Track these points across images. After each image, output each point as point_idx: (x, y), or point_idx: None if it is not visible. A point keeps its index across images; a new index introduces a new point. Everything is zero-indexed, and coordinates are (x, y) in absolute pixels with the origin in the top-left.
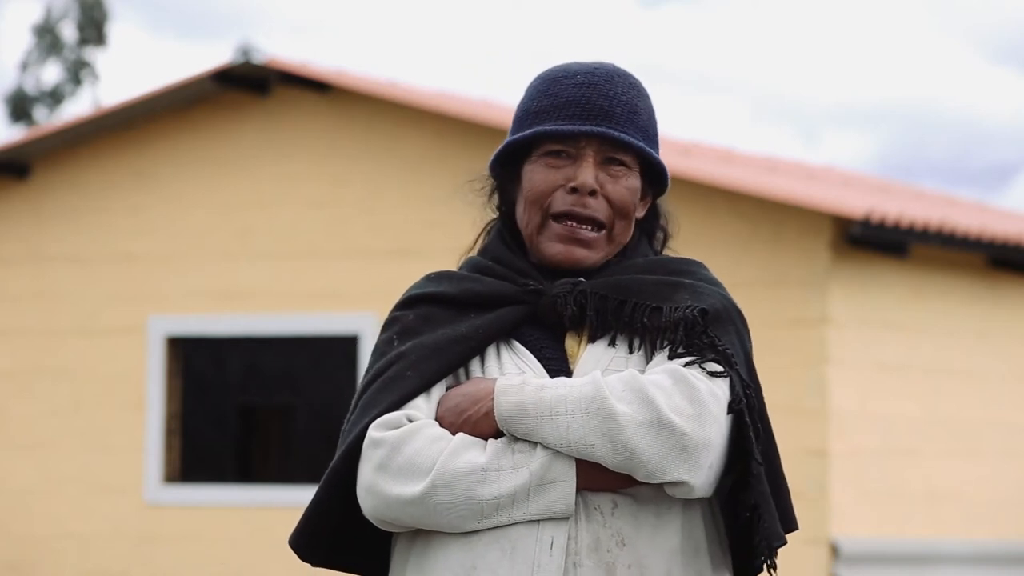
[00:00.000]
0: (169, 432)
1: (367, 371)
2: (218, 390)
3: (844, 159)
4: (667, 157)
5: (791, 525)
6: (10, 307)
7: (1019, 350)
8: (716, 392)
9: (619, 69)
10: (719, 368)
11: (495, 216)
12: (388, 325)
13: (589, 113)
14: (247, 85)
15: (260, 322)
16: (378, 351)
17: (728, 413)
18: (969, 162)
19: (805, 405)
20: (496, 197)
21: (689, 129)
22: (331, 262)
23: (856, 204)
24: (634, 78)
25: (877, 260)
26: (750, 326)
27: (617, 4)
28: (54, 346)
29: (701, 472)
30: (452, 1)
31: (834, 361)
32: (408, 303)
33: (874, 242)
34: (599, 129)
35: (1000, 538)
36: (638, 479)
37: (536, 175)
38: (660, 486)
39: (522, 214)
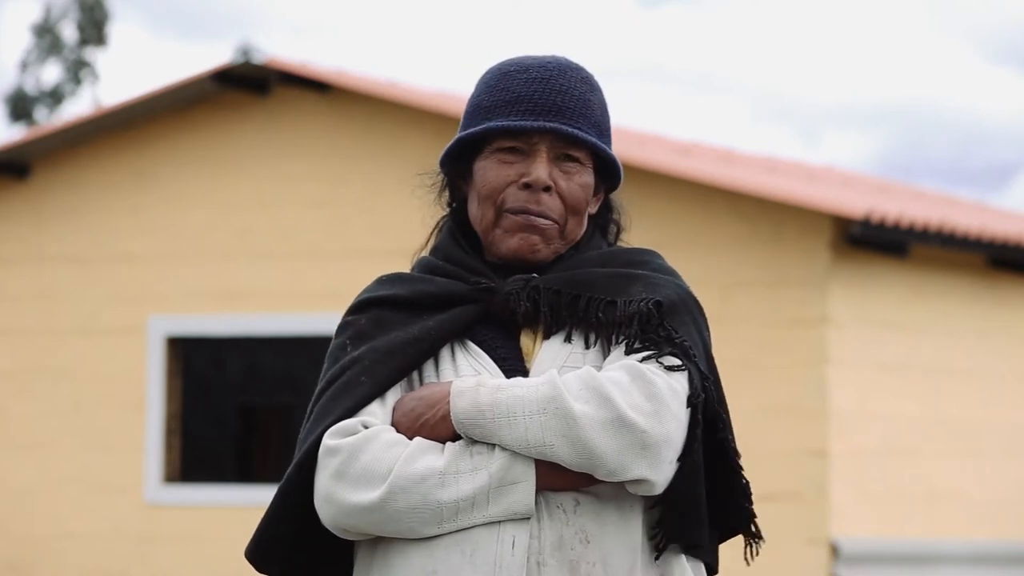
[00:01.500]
0: (169, 432)
1: (321, 377)
2: (218, 390)
3: (844, 159)
4: (667, 157)
5: (750, 516)
6: (10, 307)
7: (1019, 350)
8: (675, 387)
9: (571, 63)
10: (677, 362)
11: (446, 213)
12: (341, 330)
13: (542, 108)
14: (247, 85)
15: (260, 322)
16: (332, 357)
17: (687, 407)
18: (969, 162)
19: (805, 405)
20: (447, 193)
21: (689, 129)
22: (331, 262)
23: (856, 204)
24: (586, 72)
25: (877, 260)
26: (750, 326)
27: (617, 4)
28: (54, 346)
29: (662, 468)
30: (452, 1)
31: (834, 361)
32: (360, 307)
33: (874, 242)
34: (552, 125)
35: (1000, 538)
36: (599, 478)
37: (489, 171)
38: (622, 483)
39: (475, 211)
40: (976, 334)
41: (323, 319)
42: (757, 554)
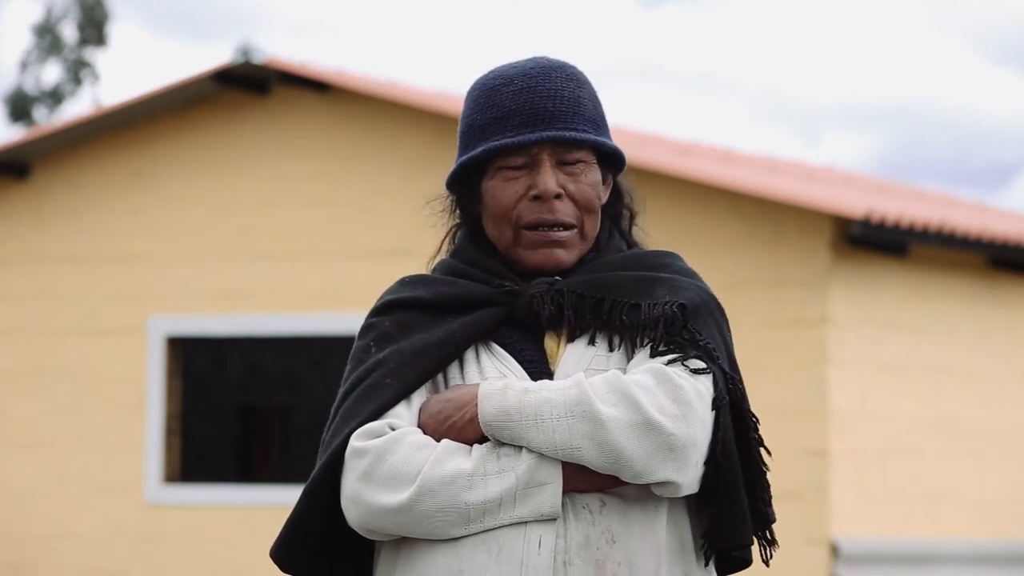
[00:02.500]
0: (169, 432)
1: (345, 379)
2: (218, 390)
3: (844, 159)
4: (667, 157)
5: (771, 518)
6: (10, 307)
7: (1019, 350)
8: (700, 390)
9: (553, 62)
10: (702, 364)
11: (458, 221)
12: (364, 331)
13: (535, 118)
14: (247, 85)
15: (260, 322)
16: (356, 358)
17: (712, 410)
18: (969, 162)
19: (805, 405)
20: (458, 213)
21: (689, 129)
22: (331, 262)
23: (856, 204)
24: (570, 67)
25: (877, 260)
26: (750, 326)
27: (617, 4)
28: (54, 346)
29: (688, 471)
30: (452, 1)
31: (834, 361)
32: (384, 309)
33: (874, 242)
34: (550, 134)
35: (1000, 538)
36: (625, 480)
37: (497, 191)
38: (647, 485)
39: (492, 230)
40: (976, 334)
41: (323, 319)
42: (772, 556)
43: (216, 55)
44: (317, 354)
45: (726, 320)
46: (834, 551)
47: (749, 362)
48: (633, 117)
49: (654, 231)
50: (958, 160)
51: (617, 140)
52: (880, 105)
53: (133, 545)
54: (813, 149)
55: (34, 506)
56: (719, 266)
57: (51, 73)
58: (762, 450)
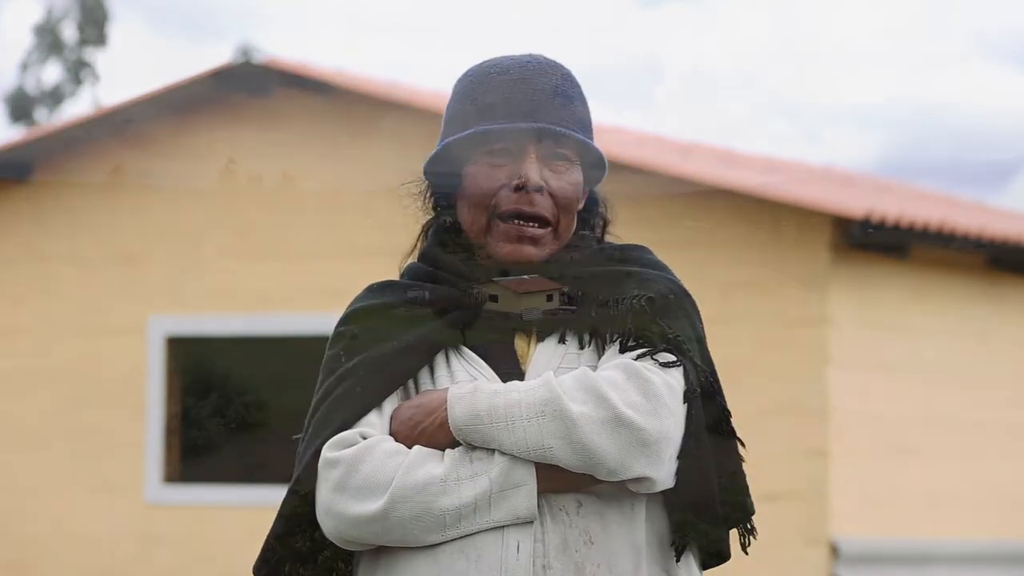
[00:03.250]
0: (169, 432)
1: (317, 389)
2: (218, 390)
3: (844, 159)
4: (667, 157)
5: (750, 510)
6: (10, 307)
7: (1019, 350)
8: (671, 383)
9: (549, 61)
10: (671, 358)
11: (431, 217)
12: (334, 341)
13: (528, 109)
14: (247, 85)
15: (260, 322)
16: (327, 368)
17: (684, 403)
18: (969, 162)
19: (805, 405)
20: (432, 199)
21: (689, 129)
22: (331, 262)
23: (856, 204)
24: (565, 69)
25: (877, 260)
26: (750, 326)
27: (617, 3)
28: (54, 346)
29: (662, 466)
30: (452, 1)
31: (834, 361)
32: (353, 317)
33: (874, 242)
34: (540, 125)
35: (1000, 538)
36: (599, 478)
37: (479, 176)
38: (623, 483)
39: (466, 215)
40: (976, 334)
41: (323, 319)
42: (749, 544)
43: (216, 55)
44: (317, 354)
45: (697, 311)
46: (834, 551)
47: (749, 362)
48: (633, 117)
49: (654, 231)
50: (958, 160)
51: (617, 140)
52: (880, 105)
53: (133, 545)
54: (813, 149)
55: (34, 506)
56: (719, 266)
57: (51, 73)
58: (737, 442)
